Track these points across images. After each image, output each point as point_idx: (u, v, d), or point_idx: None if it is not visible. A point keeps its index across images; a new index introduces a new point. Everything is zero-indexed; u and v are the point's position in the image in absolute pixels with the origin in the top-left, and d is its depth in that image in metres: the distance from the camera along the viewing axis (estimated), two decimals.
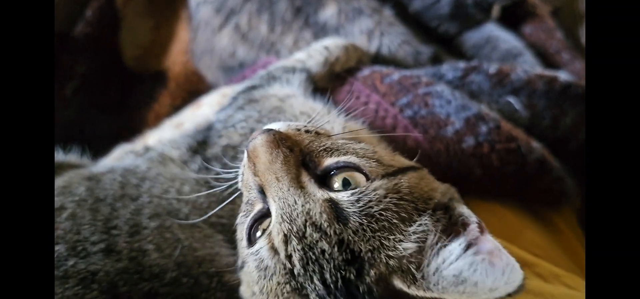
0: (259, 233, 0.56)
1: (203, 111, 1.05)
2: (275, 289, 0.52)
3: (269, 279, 0.53)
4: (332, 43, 0.96)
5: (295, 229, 0.51)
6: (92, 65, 1.21)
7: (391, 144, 0.82)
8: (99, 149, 0.96)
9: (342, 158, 0.57)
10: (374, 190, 0.53)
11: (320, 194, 0.53)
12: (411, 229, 0.52)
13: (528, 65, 1.11)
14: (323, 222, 0.51)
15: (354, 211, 0.51)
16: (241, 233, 0.60)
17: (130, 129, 1.11)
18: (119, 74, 1.24)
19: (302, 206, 0.52)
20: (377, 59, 1.07)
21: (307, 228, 0.51)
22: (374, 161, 0.57)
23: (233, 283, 0.67)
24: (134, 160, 0.79)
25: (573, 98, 1.01)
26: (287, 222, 0.52)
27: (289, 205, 0.53)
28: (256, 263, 0.54)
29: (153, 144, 0.89)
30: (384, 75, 0.92)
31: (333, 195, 0.53)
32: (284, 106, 0.81)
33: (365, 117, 0.86)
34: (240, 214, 0.61)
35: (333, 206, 0.52)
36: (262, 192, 0.57)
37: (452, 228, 0.54)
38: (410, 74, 0.92)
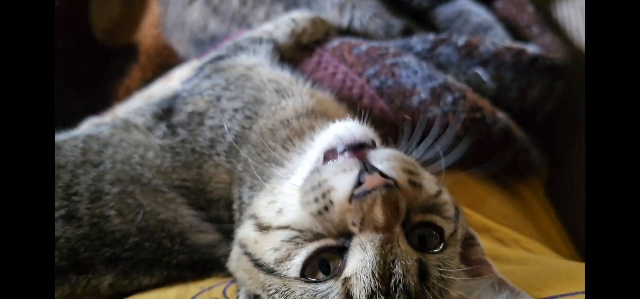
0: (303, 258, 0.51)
1: (173, 83, 1.04)
2: None
3: None
4: (299, 15, 0.96)
5: (384, 289, 0.48)
6: (61, 40, 1.19)
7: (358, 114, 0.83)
8: (69, 125, 0.96)
9: (435, 220, 0.54)
10: (451, 253, 0.53)
11: (412, 253, 0.51)
12: (458, 279, 0.53)
13: (498, 39, 1.12)
14: (411, 283, 0.49)
15: (434, 273, 0.51)
16: (288, 252, 0.52)
17: (102, 104, 1.10)
18: (89, 49, 1.22)
19: (398, 266, 0.49)
20: (349, 32, 1.07)
21: (397, 289, 0.49)
22: (449, 221, 0.56)
23: (195, 242, 0.67)
24: (97, 128, 0.79)
25: (540, 71, 1.03)
26: (379, 281, 0.48)
27: (385, 263, 0.49)
28: (309, 295, 0.50)
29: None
30: (352, 46, 0.92)
31: (422, 257, 0.51)
32: (251, 74, 0.81)
33: (332, 87, 0.86)
34: (288, 233, 0.53)
35: (421, 267, 0.50)
36: (347, 234, 0.51)
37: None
38: (379, 45, 0.92)
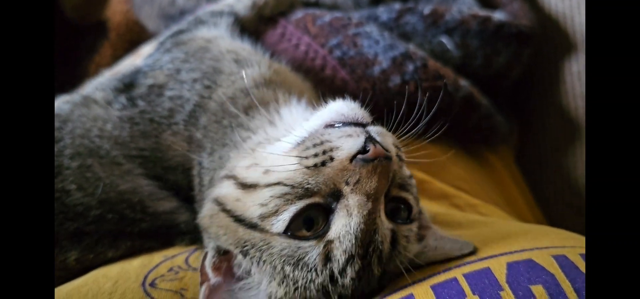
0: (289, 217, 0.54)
1: (140, 60, 1.04)
2: (303, 281, 0.53)
3: (300, 270, 0.53)
4: None
5: (362, 253, 0.52)
6: None
7: (320, 84, 0.84)
8: None
9: (410, 198, 0.59)
10: (415, 226, 0.60)
11: (388, 224, 0.55)
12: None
13: (466, 6, 1.13)
14: (384, 249, 0.54)
15: (402, 242, 0.56)
16: (276, 208, 0.54)
17: (72, 82, 1.10)
18: (59, 27, 1.21)
19: (377, 234, 0.53)
20: (317, 4, 1.07)
21: (373, 255, 0.53)
22: (417, 201, 0.61)
23: (156, 209, 0.69)
24: (59, 106, 0.79)
25: (506, 38, 1.03)
26: (360, 246, 0.52)
27: (368, 232, 0.52)
28: (289, 251, 0.53)
29: None
30: (316, 17, 0.93)
31: (395, 228, 0.56)
32: (210, 46, 0.82)
33: (295, 59, 0.87)
34: (279, 189, 0.55)
35: (393, 236, 0.55)
36: (335, 195, 0.54)
37: None
38: (342, 16, 0.93)
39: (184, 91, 0.75)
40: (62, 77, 1.19)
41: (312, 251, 0.52)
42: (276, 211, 0.54)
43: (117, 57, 1.15)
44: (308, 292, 0.53)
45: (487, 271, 0.53)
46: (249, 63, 0.76)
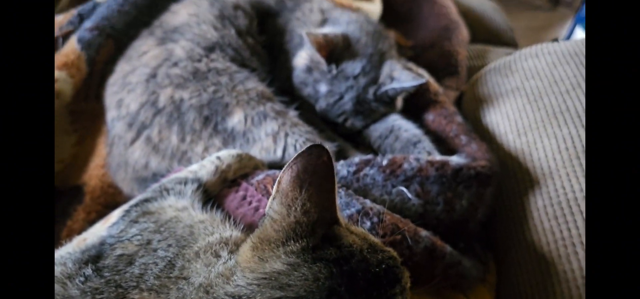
0: None
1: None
2: None
3: None
4: (225, 153, 1.00)
5: None
6: None
7: None
8: None
9: None
10: None
11: None
12: None
13: (426, 151, 1.18)
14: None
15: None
16: None
17: None
18: None
19: None
20: (282, 163, 1.12)
21: None
22: None
23: None
24: None
25: (466, 180, 1.06)
26: None
27: None
28: None
29: None
30: (275, 178, 0.96)
31: None
32: (182, 215, 0.83)
33: (253, 224, 0.88)
34: None
35: None
36: None
37: None
38: None
39: (158, 255, 0.75)
40: None
41: None
42: None
43: (90, 221, 1.17)
44: None
45: None
46: (223, 229, 0.78)
